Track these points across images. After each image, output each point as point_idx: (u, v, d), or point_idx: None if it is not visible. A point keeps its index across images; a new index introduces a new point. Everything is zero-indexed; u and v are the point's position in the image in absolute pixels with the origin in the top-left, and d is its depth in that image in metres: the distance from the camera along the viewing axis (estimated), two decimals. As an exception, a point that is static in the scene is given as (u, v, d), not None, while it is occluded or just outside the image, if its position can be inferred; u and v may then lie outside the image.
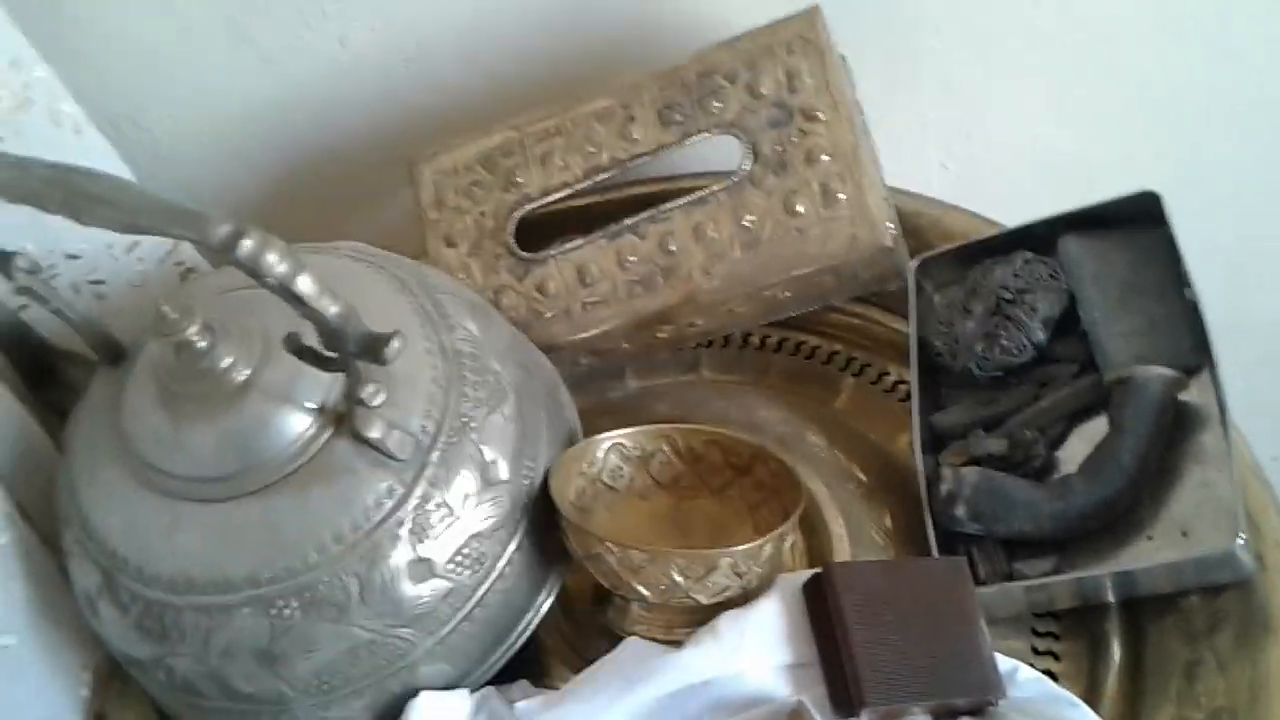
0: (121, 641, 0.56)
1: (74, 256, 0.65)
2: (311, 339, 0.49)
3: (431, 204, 0.72)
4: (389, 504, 0.53)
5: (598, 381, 0.76)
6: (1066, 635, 0.61)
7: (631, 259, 0.68)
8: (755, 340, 0.77)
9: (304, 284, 0.43)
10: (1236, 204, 0.84)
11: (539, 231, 0.73)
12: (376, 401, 0.49)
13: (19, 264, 0.54)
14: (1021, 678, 0.55)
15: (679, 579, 0.54)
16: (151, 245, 0.68)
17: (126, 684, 0.62)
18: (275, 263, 0.42)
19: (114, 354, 0.60)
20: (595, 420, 0.67)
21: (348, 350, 0.46)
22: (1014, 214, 0.73)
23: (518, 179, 0.70)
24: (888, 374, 0.73)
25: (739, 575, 0.55)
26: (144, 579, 0.54)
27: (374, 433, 0.52)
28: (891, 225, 0.66)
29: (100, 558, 0.55)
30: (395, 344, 0.44)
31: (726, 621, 0.55)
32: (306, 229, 0.84)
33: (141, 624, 0.54)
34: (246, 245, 0.41)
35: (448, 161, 0.72)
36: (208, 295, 0.58)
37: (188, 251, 0.70)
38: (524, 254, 0.70)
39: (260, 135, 0.81)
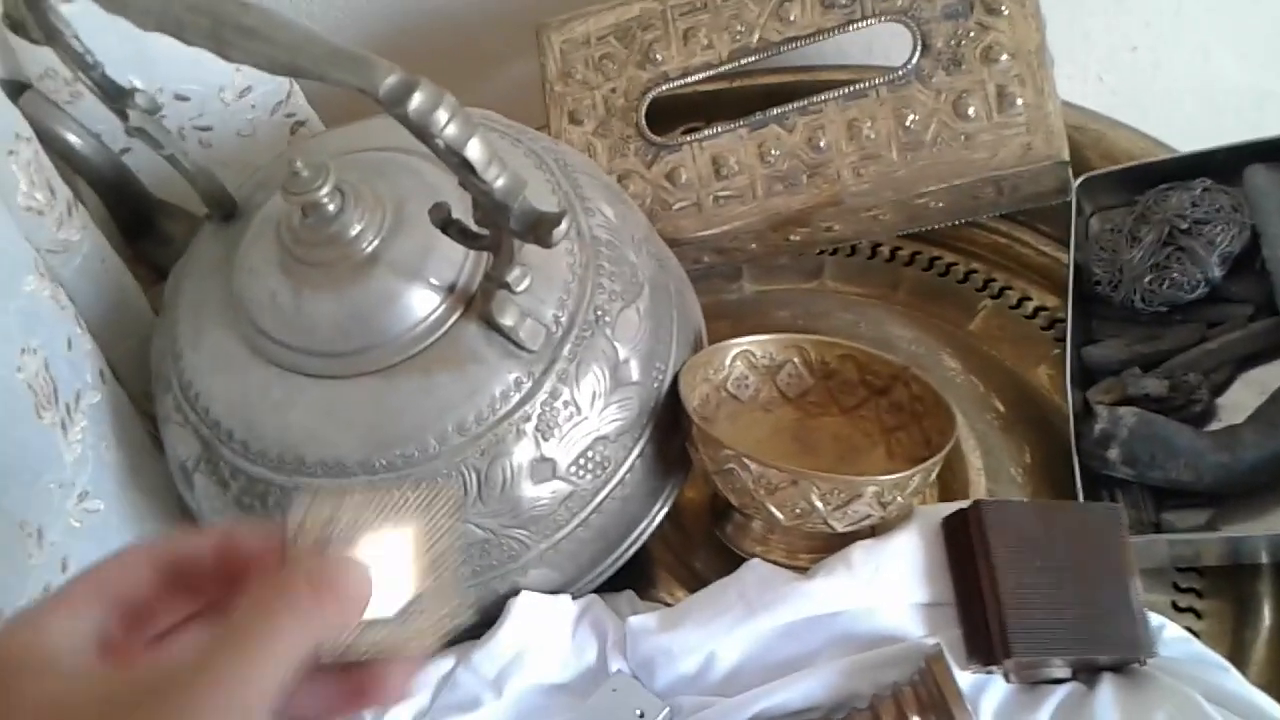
0: (216, 517, 0.53)
1: (183, 98, 0.60)
2: (459, 210, 0.45)
3: (558, 75, 0.67)
4: (516, 397, 0.49)
5: (712, 282, 0.71)
6: (1211, 593, 0.57)
7: (775, 152, 0.63)
8: (885, 252, 0.72)
9: (475, 149, 0.38)
10: None
11: (664, 114, 0.67)
12: (522, 286, 0.45)
13: (136, 101, 0.49)
14: (1168, 636, 0.51)
15: (818, 503, 0.50)
16: (264, 92, 0.63)
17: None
18: (446, 122, 0.37)
19: (225, 209, 0.56)
20: (710, 323, 0.63)
21: (507, 228, 0.41)
22: (1174, 141, 0.67)
23: (655, 55, 0.65)
24: (1029, 299, 0.69)
25: (882, 505, 0.51)
26: (248, 454, 0.51)
27: (508, 319, 0.48)
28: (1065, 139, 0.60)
29: (201, 427, 0.52)
30: (565, 225, 0.40)
31: (860, 552, 0.52)
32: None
33: (241, 501, 0.51)
34: (417, 99, 0.37)
35: (580, 29, 0.66)
36: (331, 155, 0.53)
37: (299, 104, 0.65)
38: (656, 138, 0.65)
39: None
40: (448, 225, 0.45)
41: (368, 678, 0.33)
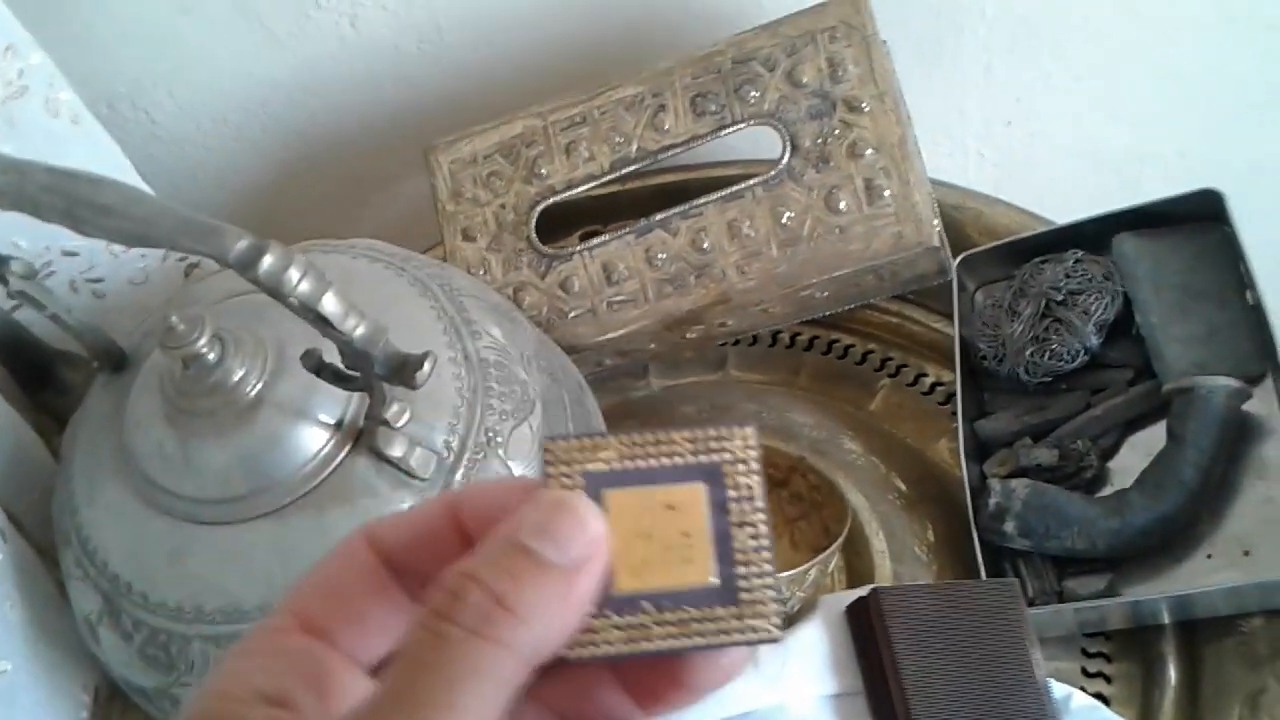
0: (124, 669, 0.53)
1: (71, 254, 0.61)
2: (332, 354, 0.46)
3: (448, 195, 0.68)
4: (411, 526, 0.50)
5: (620, 381, 0.72)
6: (1119, 656, 0.58)
7: (661, 256, 0.64)
8: (785, 338, 0.73)
9: (329, 304, 0.39)
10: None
11: (559, 221, 0.69)
12: (402, 422, 0.46)
13: (14, 269, 0.50)
14: (1076, 705, 0.52)
15: (718, 605, 0.51)
16: (153, 241, 0.64)
17: (127, 706, 0.59)
18: (298, 282, 0.38)
19: (115, 361, 0.56)
20: (618, 422, 0.64)
21: (374, 371, 0.42)
22: (1054, 210, 0.69)
23: (540, 170, 0.66)
24: (925, 375, 0.70)
25: (782, 601, 0.52)
26: (148, 605, 0.50)
27: (396, 451, 0.49)
28: (937, 222, 0.62)
29: (101, 581, 0.52)
30: (426, 367, 0.41)
31: (768, 650, 0.52)
32: (314, 219, 0.81)
33: (146, 652, 0.51)
34: (267, 263, 0.38)
35: (466, 150, 0.68)
36: (215, 299, 0.54)
37: (191, 246, 0.66)
38: (546, 249, 0.66)
39: (265, 119, 0.77)
40: (321, 369, 0.46)
41: (663, 671, 0.25)
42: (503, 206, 0.67)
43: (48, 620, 0.57)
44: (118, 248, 0.62)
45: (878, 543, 0.60)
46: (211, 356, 0.48)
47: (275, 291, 0.38)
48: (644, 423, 0.64)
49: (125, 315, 0.61)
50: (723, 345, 0.73)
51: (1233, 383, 0.57)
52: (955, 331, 0.65)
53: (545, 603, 0.23)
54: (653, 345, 0.68)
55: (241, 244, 0.38)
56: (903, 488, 0.64)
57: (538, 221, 0.67)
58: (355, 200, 0.79)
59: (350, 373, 0.45)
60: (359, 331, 0.40)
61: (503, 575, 0.23)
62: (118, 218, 0.38)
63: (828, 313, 0.67)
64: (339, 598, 0.27)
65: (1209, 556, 0.56)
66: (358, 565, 0.27)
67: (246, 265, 0.37)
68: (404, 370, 0.41)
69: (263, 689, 0.25)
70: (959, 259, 0.66)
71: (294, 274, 0.38)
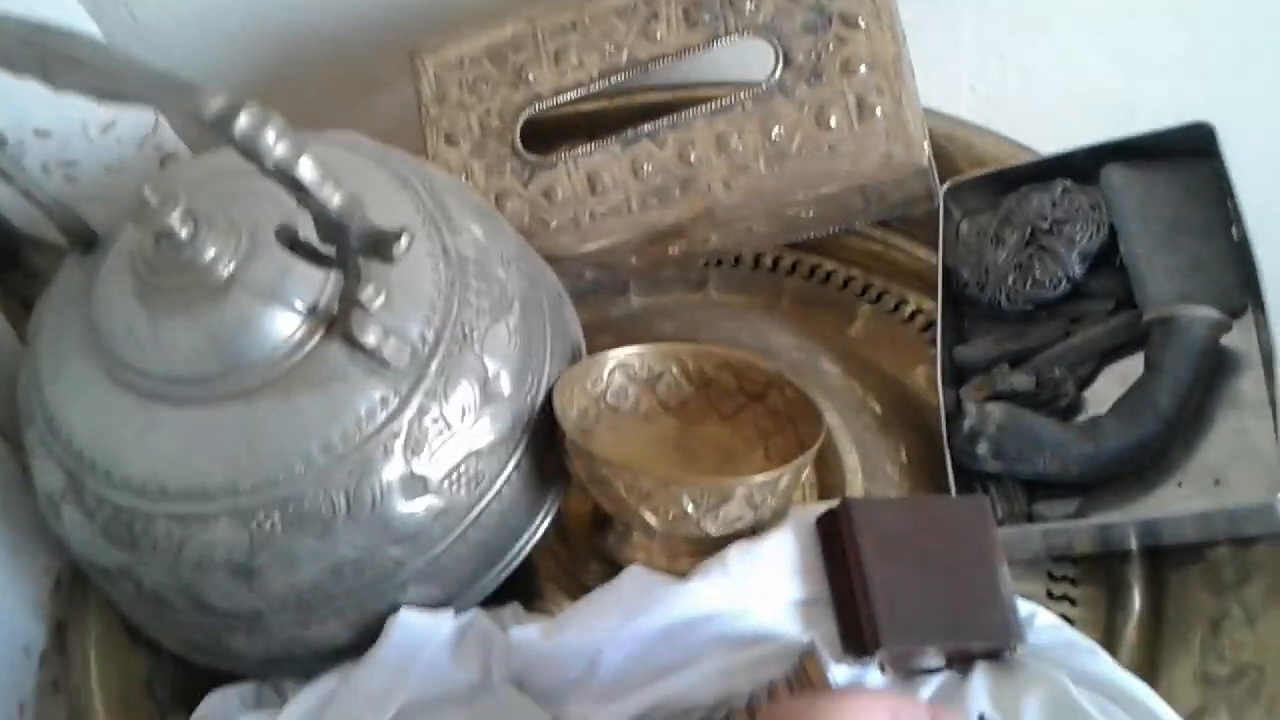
0: (86, 548, 0.52)
1: (43, 133, 0.60)
2: (307, 232, 0.45)
3: (433, 99, 0.67)
4: (382, 415, 0.49)
5: (599, 297, 0.72)
6: (1084, 580, 0.58)
7: (647, 167, 0.64)
8: (767, 262, 0.73)
9: (306, 168, 0.38)
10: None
11: (544, 136, 0.68)
12: (375, 304, 0.45)
13: (-16, 135, 0.49)
14: (1040, 623, 0.52)
15: (689, 508, 0.51)
16: (129, 127, 0.63)
17: (89, 591, 0.58)
18: (274, 143, 0.38)
19: (85, 241, 0.55)
20: (596, 338, 0.63)
21: (349, 246, 0.41)
22: (1044, 145, 0.69)
23: (528, 76, 0.65)
24: (906, 302, 0.70)
25: (753, 507, 0.52)
26: (112, 483, 0.50)
27: (369, 338, 0.48)
28: (927, 145, 0.61)
29: (65, 458, 0.51)
30: (403, 241, 0.40)
31: (736, 553, 0.52)
32: (296, 120, 0.79)
33: (109, 531, 0.51)
34: (243, 121, 0.37)
35: (453, 53, 0.67)
36: (191, 182, 0.53)
37: (167, 135, 0.65)
38: (530, 157, 0.66)
39: (248, 18, 0.75)
40: (295, 245, 0.45)
41: None
42: (488, 112, 0.67)
43: (10, 501, 0.57)
44: (93, 130, 0.61)
45: (850, 460, 0.60)
46: (184, 233, 0.47)
47: (250, 152, 0.37)
48: (622, 339, 0.63)
49: (97, 202, 0.60)
50: (705, 265, 0.73)
51: (1214, 314, 0.57)
52: (939, 256, 0.64)
53: None
54: (634, 260, 0.67)
55: (217, 100, 0.37)
56: (878, 410, 0.64)
57: (523, 134, 0.66)
58: (337, 103, 0.78)
59: (325, 250, 0.44)
60: (335, 200, 0.39)
61: None
62: (91, 71, 0.37)
63: (812, 234, 0.67)
64: None
65: (1180, 485, 0.56)
66: None
67: (222, 123, 0.37)
68: (380, 244, 0.40)
69: None
70: (946, 186, 0.65)
71: (270, 134, 0.37)
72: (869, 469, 0.60)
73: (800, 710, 0.37)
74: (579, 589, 0.58)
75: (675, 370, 0.61)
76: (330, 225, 0.41)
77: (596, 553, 0.58)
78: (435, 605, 0.53)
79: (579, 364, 0.59)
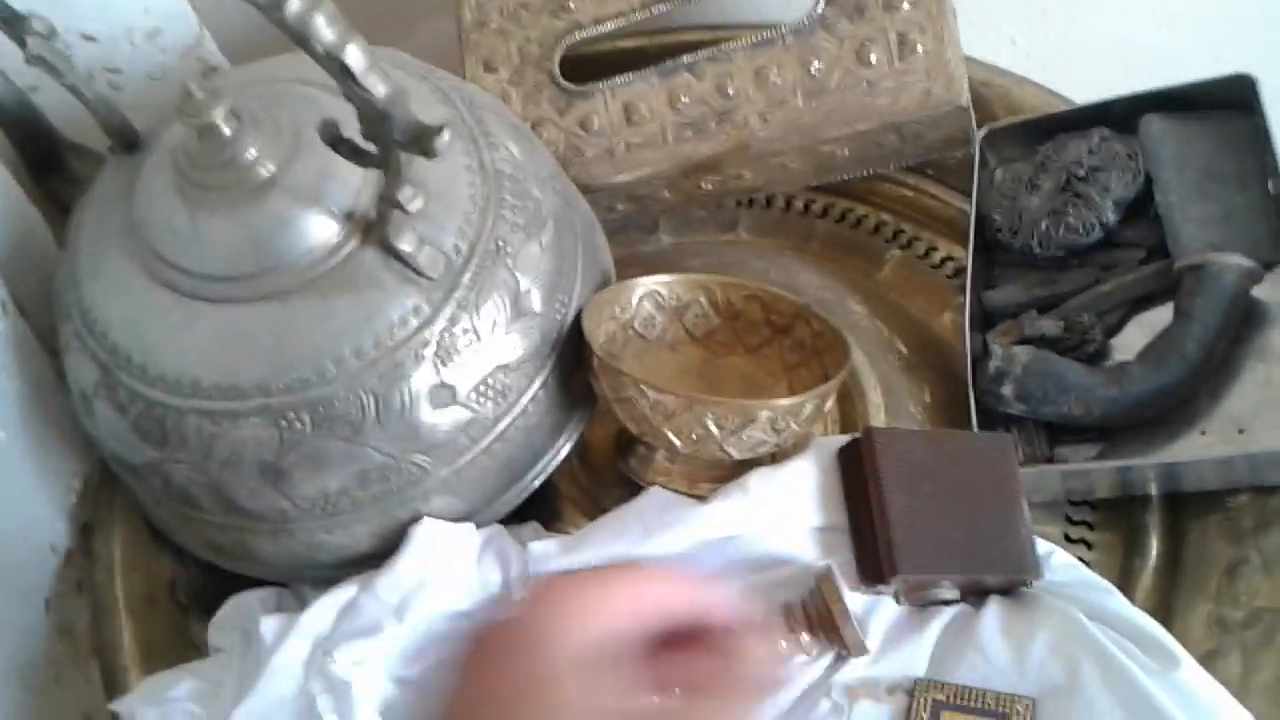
0: (117, 444, 0.53)
1: (90, 38, 0.60)
2: (350, 130, 0.45)
3: (473, 25, 0.67)
4: (414, 323, 0.50)
5: (629, 233, 0.72)
6: (1102, 526, 0.59)
7: (684, 100, 0.64)
8: (799, 205, 0.73)
9: (353, 55, 0.39)
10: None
11: (582, 72, 0.68)
12: (414, 205, 0.46)
13: (34, 26, 0.49)
14: (1056, 562, 0.53)
15: (713, 429, 0.51)
16: (174, 36, 0.63)
17: (116, 494, 0.59)
18: (325, 28, 0.38)
19: (128, 142, 0.56)
20: (626, 273, 0.64)
21: (391, 139, 0.42)
22: (1082, 98, 0.68)
23: (569, 4, 0.66)
24: (936, 249, 0.70)
25: (776, 431, 0.52)
26: (146, 378, 0.51)
27: (405, 244, 0.48)
28: (966, 84, 0.61)
29: (100, 353, 0.52)
30: (445, 135, 0.40)
31: (757, 478, 0.53)
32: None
33: (140, 426, 0.51)
34: (295, 4, 0.37)
35: (494, -21, 0.67)
36: (235, 86, 0.53)
37: (211, 49, 0.65)
38: (568, 85, 0.66)
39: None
40: (337, 143, 0.45)
41: None
42: (528, 39, 0.67)
43: (44, 400, 0.57)
44: (138, 37, 0.61)
45: (875, 397, 0.61)
46: (227, 130, 0.48)
47: (300, 35, 0.38)
48: (650, 274, 0.63)
49: (141, 110, 0.60)
50: (736, 205, 0.73)
51: (1245, 262, 0.57)
52: (973, 201, 0.64)
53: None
54: (667, 193, 0.67)
55: (271, -21, 0.37)
56: (904, 351, 0.64)
57: (562, 70, 0.66)
58: (379, 28, 0.77)
59: (367, 147, 0.45)
60: (381, 89, 0.40)
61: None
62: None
63: (846, 175, 0.67)
64: None
65: (1203, 433, 0.56)
66: None
67: (275, 4, 0.37)
68: (423, 137, 0.41)
69: None
70: (983, 131, 0.65)
71: (320, 19, 0.38)
72: (892, 407, 0.61)
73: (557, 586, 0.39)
74: (599, 512, 0.59)
75: (703, 300, 0.61)
76: (374, 116, 0.41)
77: (618, 478, 0.59)
78: (458, 518, 0.54)
79: (609, 289, 0.59)
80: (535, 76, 0.66)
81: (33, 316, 0.59)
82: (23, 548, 0.56)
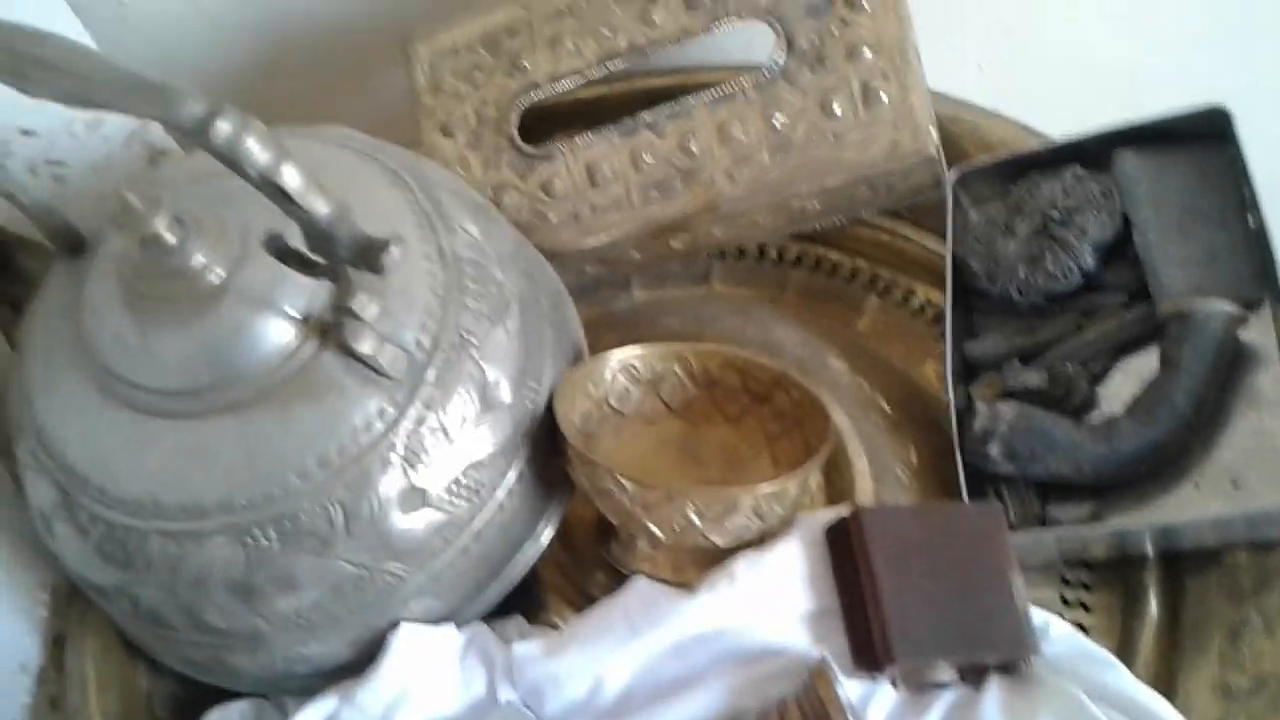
0: (80, 566, 0.51)
1: (29, 133, 0.58)
2: (297, 239, 0.43)
3: (427, 88, 0.65)
4: (379, 426, 0.48)
5: (601, 292, 0.70)
6: (1099, 586, 0.57)
7: (648, 159, 0.62)
8: (772, 253, 0.71)
9: (290, 177, 0.37)
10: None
11: (543, 125, 0.66)
12: (368, 313, 0.44)
13: (-37, 141, 0.47)
14: (1055, 633, 0.51)
15: (694, 519, 0.50)
16: (116, 124, 0.61)
17: (89, 606, 0.57)
18: (256, 150, 0.36)
19: (74, 244, 0.53)
20: (599, 334, 0.62)
21: (338, 255, 0.40)
22: (1053, 125, 0.67)
23: (523, 63, 0.64)
24: (914, 294, 0.68)
25: (760, 516, 0.50)
26: (106, 500, 0.49)
27: (364, 347, 0.46)
28: (935, 132, 0.60)
29: (57, 474, 0.50)
30: (393, 251, 0.39)
31: (743, 565, 0.51)
32: (287, 112, 0.77)
33: (103, 549, 0.49)
34: (222, 129, 0.35)
35: (446, 40, 0.65)
36: (179, 183, 0.51)
37: (156, 132, 0.63)
38: (528, 148, 0.64)
39: (239, 3, 0.73)
40: (286, 255, 0.43)
41: None
42: (484, 101, 0.65)
43: (4, 516, 0.55)
44: (79, 128, 0.59)
45: (859, 463, 0.59)
46: (171, 239, 0.46)
47: (231, 160, 0.36)
48: (625, 335, 0.61)
49: (87, 201, 0.59)
50: (708, 258, 0.71)
51: (1230, 308, 0.55)
52: (948, 247, 0.63)
53: None
54: (636, 254, 0.66)
55: (195, 107, 0.35)
56: (887, 409, 0.62)
57: (520, 126, 0.65)
58: (329, 94, 0.76)
59: (315, 258, 0.43)
60: (321, 209, 0.38)
61: None
62: (64, 75, 0.35)
63: (818, 225, 0.65)
64: None
65: (1196, 486, 0.55)
66: None
67: (200, 130, 0.35)
68: (369, 254, 0.39)
69: None
70: (954, 175, 0.64)
71: (251, 142, 0.36)
72: (878, 471, 0.59)
73: None
74: (584, 600, 0.57)
75: (679, 370, 0.59)
76: (317, 234, 0.39)
77: (601, 562, 0.57)
78: (437, 620, 0.52)
79: (581, 366, 0.57)
80: (494, 140, 0.64)
81: (-13, 425, 0.57)
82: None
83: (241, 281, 0.47)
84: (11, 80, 0.36)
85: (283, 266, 0.46)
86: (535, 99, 0.64)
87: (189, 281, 0.47)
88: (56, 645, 0.58)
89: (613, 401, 0.59)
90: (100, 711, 0.55)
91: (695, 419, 0.59)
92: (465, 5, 0.64)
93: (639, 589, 0.51)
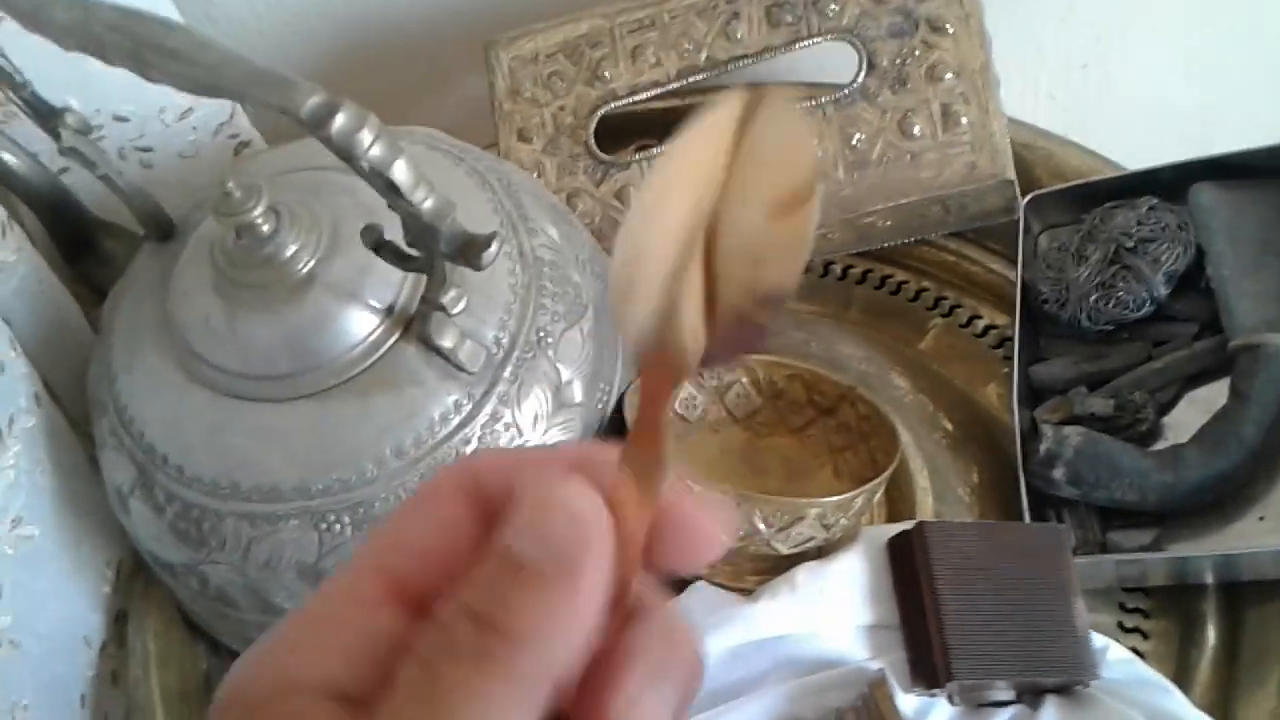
0: (153, 543, 0.52)
1: (122, 119, 0.60)
2: (392, 232, 0.44)
3: (507, 93, 0.66)
4: (455, 420, 0.49)
5: (665, 300, 0.71)
6: (1157, 613, 0.57)
7: (722, 171, 0.62)
8: (837, 270, 0.72)
9: (400, 171, 0.38)
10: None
11: (618, 132, 0.67)
12: (458, 309, 0.45)
13: (68, 121, 0.49)
14: (1112, 657, 0.51)
15: (760, 526, 0.50)
16: (206, 113, 0.62)
17: (150, 583, 0.58)
18: (370, 143, 0.37)
19: (162, 229, 0.55)
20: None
21: (437, 249, 0.41)
22: (1121, 157, 0.67)
23: (604, 73, 0.64)
24: (979, 317, 0.68)
25: (825, 527, 0.51)
26: (183, 479, 0.50)
27: (446, 341, 0.47)
28: (1011, 158, 0.60)
29: (136, 451, 0.51)
30: (494, 248, 0.39)
31: (805, 574, 0.51)
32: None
33: (177, 526, 0.51)
34: (340, 120, 0.36)
35: (528, 47, 0.66)
36: (270, 175, 0.53)
37: (242, 124, 0.65)
38: (604, 156, 0.65)
39: (322, 5, 0.74)
40: (380, 247, 0.44)
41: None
42: (562, 108, 0.66)
43: (77, 490, 0.57)
44: (170, 116, 0.60)
45: (921, 480, 0.59)
46: (266, 228, 0.47)
47: (346, 153, 0.37)
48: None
49: (172, 188, 0.60)
50: (773, 272, 0.71)
51: (1304, 343, 0.55)
52: (1018, 271, 0.63)
53: (545, 620, 0.20)
54: (704, 263, 0.66)
55: (315, 99, 0.36)
56: (949, 427, 0.63)
57: (599, 132, 0.65)
58: (408, 95, 0.77)
59: (410, 251, 0.44)
60: (427, 204, 0.39)
61: (492, 596, 0.20)
62: (186, 63, 0.36)
63: (887, 243, 0.65)
64: (438, 560, 0.22)
65: (1261, 519, 0.54)
66: (455, 521, 0.22)
67: (319, 122, 0.36)
68: (469, 250, 0.40)
69: (339, 681, 0.20)
70: (1027, 198, 0.64)
71: (367, 135, 0.37)
72: (939, 490, 0.59)
73: None
74: (642, 600, 0.58)
75: (745, 380, 0.60)
76: (420, 228, 0.40)
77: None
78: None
79: (649, 371, 0.58)
80: (570, 147, 0.65)
81: (67, 404, 0.58)
82: (56, 643, 0.55)
83: (330, 272, 0.48)
84: (135, 66, 0.37)
85: (370, 258, 0.47)
86: (613, 109, 0.65)
87: (279, 270, 0.48)
88: (119, 621, 0.59)
89: (678, 408, 0.59)
90: (159, 687, 0.56)
91: (759, 428, 0.60)
92: (547, 13, 0.65)
93: (700, 593, 0.52)
